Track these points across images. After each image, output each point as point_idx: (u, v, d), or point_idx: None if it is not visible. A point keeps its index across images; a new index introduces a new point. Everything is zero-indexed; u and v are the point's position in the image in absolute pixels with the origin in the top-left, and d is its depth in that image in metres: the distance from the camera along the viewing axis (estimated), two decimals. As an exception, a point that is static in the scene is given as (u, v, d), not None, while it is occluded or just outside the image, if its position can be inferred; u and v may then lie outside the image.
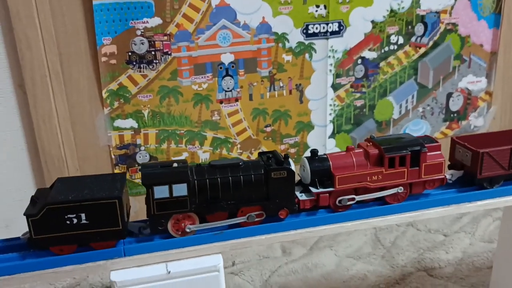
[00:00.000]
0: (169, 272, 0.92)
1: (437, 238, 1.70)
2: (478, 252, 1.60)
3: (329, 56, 1.73)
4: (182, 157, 1.67)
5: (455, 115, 1.99)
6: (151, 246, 0.93)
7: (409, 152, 1.01)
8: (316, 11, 1.66)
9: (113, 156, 1.60)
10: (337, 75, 1.77)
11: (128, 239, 0.94)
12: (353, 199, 1.02)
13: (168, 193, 0.91)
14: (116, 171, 1.60)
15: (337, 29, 1.71)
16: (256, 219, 0.97)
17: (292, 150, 1.81)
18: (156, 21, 1.50)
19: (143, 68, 1.53)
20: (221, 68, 1.63)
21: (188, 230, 0.94)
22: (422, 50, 1.85)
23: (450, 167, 1.14)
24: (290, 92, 1.74)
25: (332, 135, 1.85)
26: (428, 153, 1.03)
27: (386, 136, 1.10)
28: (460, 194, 1.08)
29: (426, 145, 1.04)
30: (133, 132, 1.59)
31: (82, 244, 0.91)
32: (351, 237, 1.72)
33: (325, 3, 1.65)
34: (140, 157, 1.63)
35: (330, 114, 1.81)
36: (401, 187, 1.03)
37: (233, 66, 1.64)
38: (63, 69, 1.43)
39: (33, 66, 1.38)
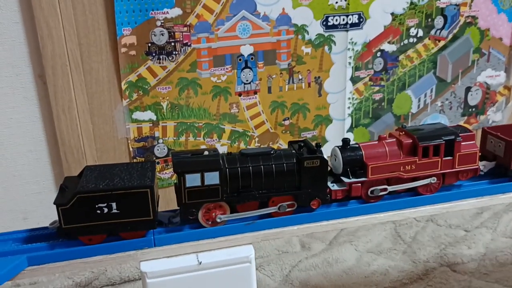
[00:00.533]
0: (200, 262, 0.89)
1: (458, 233, 1.67)
2: (501, 247, 1.58)
3: (349, 49, 1.71)
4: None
5: (474, 109, 1.97)
6: (182, 236, 0.91)
7: (444, 142, 0.99)
8: (336, 2, 1.64)
9: (131, 149, 1.58)
10: (356, 68, 1.75)
11: (158, 229, 0.92)
12: (385, 189, 0.99)
13: (200, 181, 0.89)
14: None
15: (357, 21, 1.68)
16: (288, 209, 0.95)
17: (310, 144, 1.78)
18: (176, 11, 1.48)
19: (163, 60, 1.51)
20: (240, 60, 1.60)
21: (218, 220, 0.92)
22: (442, 43, 1.82)
23: (481, 158, 1.12)
24: (309, 85, 1.71)
25: (350, 129, 1.82)
26: (462, 143, 1.01)
27: (417, 126, 1.08)
28: (493, 185, 1.05)
29: (460, 134, 1.02)
30: (151, 125, 1.57)
31: (111, 234, 0.89)
32: (370, 232, 1.69)
33: (345, -5, 1.63)
34: (158, 149, 1.61)
35: (349, 107, 1.79)
36: (434, 178, 1.01)
37: (252, 58, 1.61)
38: (83, 59, 1.41)
39: (54, 56, 1.36)
